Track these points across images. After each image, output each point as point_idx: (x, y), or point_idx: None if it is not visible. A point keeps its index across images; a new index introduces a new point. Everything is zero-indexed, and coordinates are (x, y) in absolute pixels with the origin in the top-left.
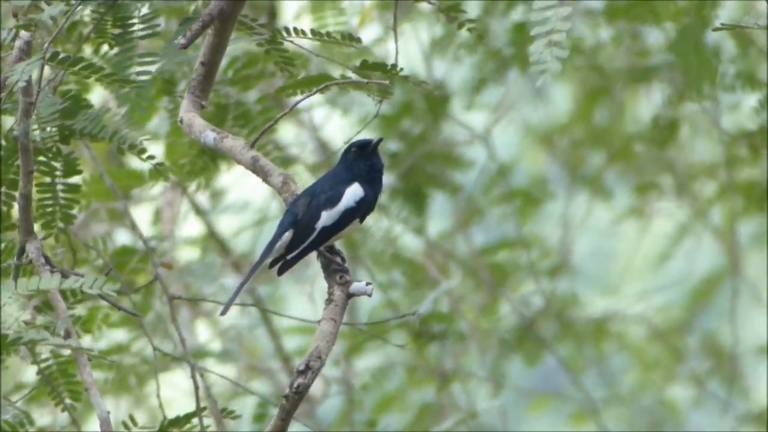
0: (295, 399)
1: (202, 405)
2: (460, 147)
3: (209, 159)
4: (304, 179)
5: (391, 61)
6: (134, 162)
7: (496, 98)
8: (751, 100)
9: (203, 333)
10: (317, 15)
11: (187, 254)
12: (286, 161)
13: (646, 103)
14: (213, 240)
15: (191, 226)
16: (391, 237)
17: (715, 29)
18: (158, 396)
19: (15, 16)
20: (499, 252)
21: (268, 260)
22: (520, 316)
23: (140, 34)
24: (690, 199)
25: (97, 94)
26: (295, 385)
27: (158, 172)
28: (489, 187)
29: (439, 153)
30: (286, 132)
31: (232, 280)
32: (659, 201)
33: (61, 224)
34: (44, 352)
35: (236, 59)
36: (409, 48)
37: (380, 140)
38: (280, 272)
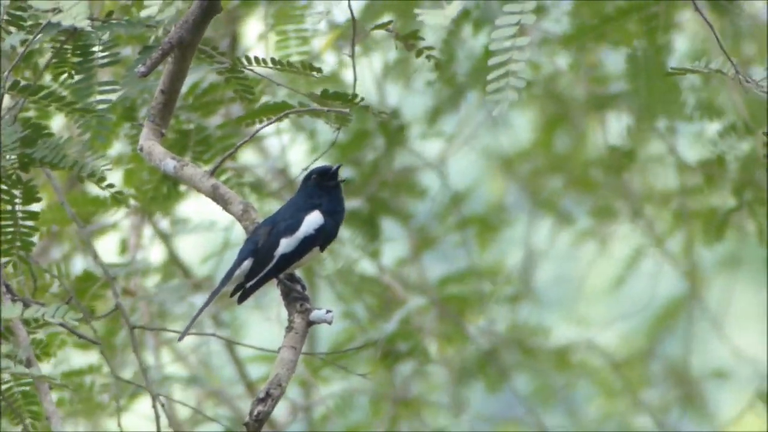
0: (256, 426)
1: None
2: (415, 174)
3: (171, 185)
4: (269, 207)
5: (348, 90)
6: (96, 188)
7: (454, 125)
8: (711, 129)
9: (167, 359)
10: (280, 45)
11: (152, 280)
12: (257, 186)
13: (606, 131)
14: (176, 265)
15: (156, 252)
16: (351, 259)
17: (668, 74)
18: (119, 425)
19: None
20: (458, 283)
21: (229, 288)
22: (479, 346)
23: (101, 62)
24: (645, 224)
25: (59, 120)
26: (255, 412)
27: (117, 200)
28: (444, 216)
29: (392, 181)
30: (250, 157)
31: (200, 299)
32: (616, 225)
33: (21, 252)
34: (5, 375)
35: (198, 84)
36: (362, 75)
37: (339, 167)
38: (240, 300)
